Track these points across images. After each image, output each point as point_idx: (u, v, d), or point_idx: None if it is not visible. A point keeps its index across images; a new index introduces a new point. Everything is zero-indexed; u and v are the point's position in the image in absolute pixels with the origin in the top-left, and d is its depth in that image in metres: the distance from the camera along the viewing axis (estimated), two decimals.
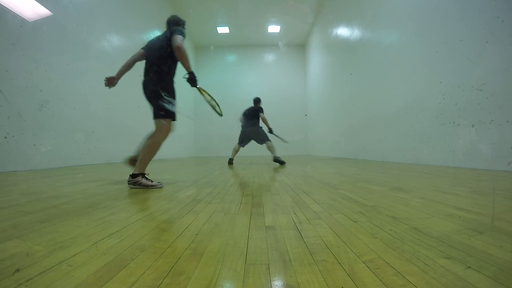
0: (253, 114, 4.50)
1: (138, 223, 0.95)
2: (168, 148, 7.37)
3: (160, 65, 1.94)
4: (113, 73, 2.08)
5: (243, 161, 5.45)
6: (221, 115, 2.33)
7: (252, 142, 4.62)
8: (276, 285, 0.51)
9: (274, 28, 9.89)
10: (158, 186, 1.82)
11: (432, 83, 3.46)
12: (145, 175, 1.84)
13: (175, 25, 2.10)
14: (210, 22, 9.40)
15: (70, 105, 3.96)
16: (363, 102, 5.53)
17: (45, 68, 3.54)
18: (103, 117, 4.68)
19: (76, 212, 1.10)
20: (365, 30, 5.34)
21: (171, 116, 1.94)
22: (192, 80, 1.93)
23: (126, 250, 0.68)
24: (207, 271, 0.56)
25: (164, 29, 2.14)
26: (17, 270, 0.56)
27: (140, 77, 2.02)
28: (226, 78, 11.00)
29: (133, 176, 1.80)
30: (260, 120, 4.48)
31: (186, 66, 1.90)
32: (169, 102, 1.93)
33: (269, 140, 4.31)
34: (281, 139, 4.63)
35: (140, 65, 2.10)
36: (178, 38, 1.85)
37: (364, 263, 0.59)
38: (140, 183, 1.79)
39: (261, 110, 4.48)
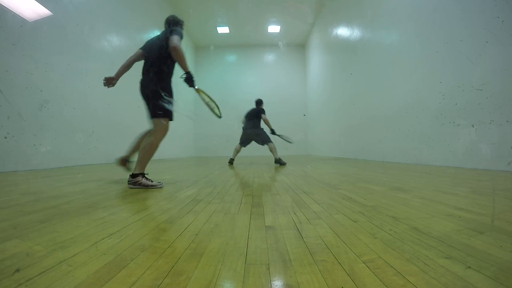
0: (254, 115, 4.48)
1: (138, 223, 0.95)
2: (168, 148, 7.37)
3: (160, 65, 1.95)
4: (113, 73, 2.09)
5: (243, 161, 5.45)
6: (219, 117, 2.29)
7: (253, 143, 4.61)
8: (276, 285, 0.51)
9: (274, 28, 9.89)
10: (158, 186, 1.82)
11: (432, 83, 3.46)
12: (145, 175, 1.84)
13: (173, 25, 2.11)
14: (210, 22, 9.39)
15: (70, 105, 3.96)
16: (363, 102, 5.53)
17: (45, 68, 3.53)
18: (103, 117, 4.68)
19: (76, 212, 1.10)
20: (365, 30, 5.34)
21: (169, 115, 1.96)
22: (189, 80, 1.93)
23: (126, 250, 0.68)
24: (207, 271, 0.56)
25: (164, 29, 2.15)
26: (17, 270, 0.56)
27: (140, 77, 2.02)
28: (226, 78, 11.00)
29: (133, 176, 1.81)
30: (262, 122, 4.46)
31: (183, 66, 1.90)
32: (169, 102, 1.94)
33: (271, 142, 4.29)
34: (285, 139, 4.62)
35: (140, 65, 2.10)
36: (174, 39, 1.86)
37: (364, 263, 0.59)
38: (140, 183, 1.79)
39: (262, 111, 4.46)
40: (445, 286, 0.48)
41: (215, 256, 0.65)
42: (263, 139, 4.36)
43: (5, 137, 2.98)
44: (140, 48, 2.11)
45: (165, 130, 1.94)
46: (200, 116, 9.52)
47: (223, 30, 9.95)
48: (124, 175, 2.30)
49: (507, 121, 2.49)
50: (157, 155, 1.98)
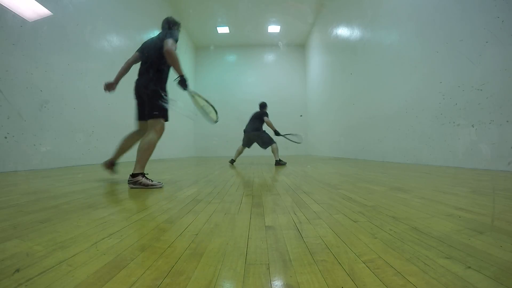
0: (257, 118, 4.47)
1: (138, 223, 0.95)
2: (168, 148, 7.37)
3: (160, 65, 1.96)
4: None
5: (243, 161, 5.45)
6: (215, 121, 2.23)
7: (256, 145, 4.59)
8: (276, 285, 0.51)
9: (274, 28, 9.89)
10: (158, 186, 1.82)
11: (432, 83, 3.47)
12: (145, 175, 1.84)
13: (169, 27, 2.12)
14: (210, 22, 9.39)
15: (70, 105, 3.96)
16: (363, 102, 5.53)
17: (45, 68, 3.53)
18: (103, 117, 4.67)
19: (76, 212, 1.10)
20: (365, 30, 5.34)
21: (166, 116, 2.00)
22: (182, 83, 1.93)
23: (126, 250, 0.68)
24: (207, 271, 0.56)
25: (161, 30, 2.16)
26: (17, 270, 0.56)
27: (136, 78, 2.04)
28: (226, 78, 11.00)
29: (133, 175, 1.81)
30: (265, 125, 4.44)
31: (177, 69, 1.91)
32: (168, 103, 1.96)
33: (274, 143, 4.26)
34: (291, 140, 4.59)
35: (137, 65, 2.11)
36: (169, 42, 1.87)
37: (364, 263, 0.59)
38: (140, 182, 1.79)
39: (265, 114, 4.44)
40: (445, 286, 0.48)
41: (215, 256, 0.65)
42: (264, 142, 4.33)
43: (5, 137, 2.98)
44: (137, 51, 2.14)
45: (163, 130, 1.97)
46: (200, 116, 9.52)
47: (223, 30, 9.95)
48: (124, 175, 2.29)
49: (507, 121, 2.49)
50: (157, 155, 1.99)
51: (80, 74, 4.16)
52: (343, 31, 6.60)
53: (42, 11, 3.49)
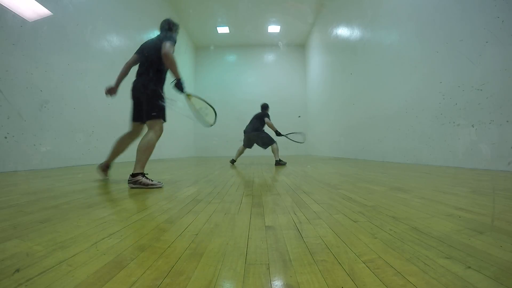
0: (257, 118, 4.47)
1: (138, 223, 0.95)
2: (168, 148, 7.37)
3: (160, 65, 1.97)
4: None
5: (243, 161, 5.45)
6: (210, 125, 2.20)
7: (256, 145, 4.59)
8: (276, 285, 0.51)
9: (274, 28, 9.89)
10: (158, 186, 1.82)
11: (432, 83, 3.47)
12: (145, 175, 1.84)
13: (167, 29, 2.14)
14: (210, 22, 9.39)
15: (70, 105, 3.96)
16: (363, 102, 5.53)
17: (45, 68, 3.53)
18: (103, 117, 4.67)
19: (76, 212, 1.10)
20: (365, 30, 5.34)
21: (165, 116, 2.01)
22: (179, 86, 1.94)
23: (126, 250, 0.68)
24: (207, 271, 0.56)
25: (159, 32, 2.18)
26: (17, 270, 0.56)
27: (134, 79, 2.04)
28: (226, 78, 11.00)
29: (133, 175, 1.81)
30: (266, 126, 4.44)
31: (175, 72, 1.92)
32: (167, 103, 1.97)
33: (274, 143, 4.26)
34: (293, 140, 4.58)
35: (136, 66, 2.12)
36: (167, 45, 1.89)
37: (364, 263, 0.59)
38: (140, 181, 1.79)
39: (266, 115, 4.44)
40: (445, 286, 0.48)
41: (215, 256, 0.65)
42: (264, 142, 4.33)
43: (5, 137, 2.98)
44: (135, 53, 2.15)
45: (162, 131, 1.98)
46: (197, 118, 9.51)
47: (223, 30, 9.95)
48: (124, 175, 2.30)
49: (507, 121, 2.49)
50: (157, 155, 1.99)
51: (80, 74, 4.16)
52: (343, 31, 6.60)
53: (42, 11, 3.49)
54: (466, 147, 2.94)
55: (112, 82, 2.15)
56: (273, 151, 4.25)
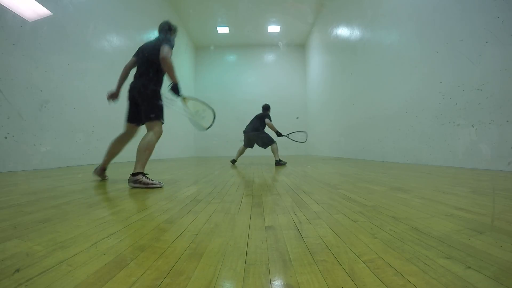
0: (258, 118, 4.47)
1: (138, 223, 0.95)
2: (168, 148, 7.36)
3: (159, 67, 1.97)
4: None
5: (243, 161, 5.45)
6: (206, 128, 2.19)
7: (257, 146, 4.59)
8: (276, 285, 0.51)
9: (274, 28, 9.89)
10: (158, 185, 1.82)
11: (432, 83, 3.47)
12: (145, 175, 1.84)
13: (166, 32, 2.15)
14: (210, 22, 9.40)
15: (70, 105, 3.96)
16: (363, 102, 5.53)
17: (45, 68, 3.54)
18: (103, 117, 4.67)
19: (76, 212, 1.10)
20: (365, 30, 5.34)
21: (163, 118, 2.02)
22: (175, 89, 1.95)
23: (126, 250, 0.68)
24: (207, 271, 0.56)
25: (158, 34, 2.19)
26: (17, 270, 0.56)
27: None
28: (226, 78, 11.00)
29: (133, 175, 1.81)
30: (267, 126, 4.44)
31: (172, 76, 1.93)
32: (166, 103, 1.98)
33: (274, 143, 4.26)
34: (294, 140, 4.57)
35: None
36: (165, 49, 1.89)
37: (364, 263, 0.59)
38: (141, 181, 1.79)
39: (267, 116, 4.44)
40: (445, 286, 0.48)
41: (215, 256, 0.65)
42: (264, 142, 4.33)
43: (5, 137, 2.98)
44: (134, 55, 2.15)
45: (161, 132, 1.99)
46: (196, 119, 9.51)
47: (223, 30, 9.95)
48: (124, 175, 2.30)
49: (507, 121, 2.49)
50: (157, 155, 2.00)
51: (80, 74, 4.16)
52: (343, 31, 6.60)
53: (42, 11, 3.50)
54: (466, 147, 2.94)
55: (112, 84, 2.16)
56: (273, 151, 4.25)
